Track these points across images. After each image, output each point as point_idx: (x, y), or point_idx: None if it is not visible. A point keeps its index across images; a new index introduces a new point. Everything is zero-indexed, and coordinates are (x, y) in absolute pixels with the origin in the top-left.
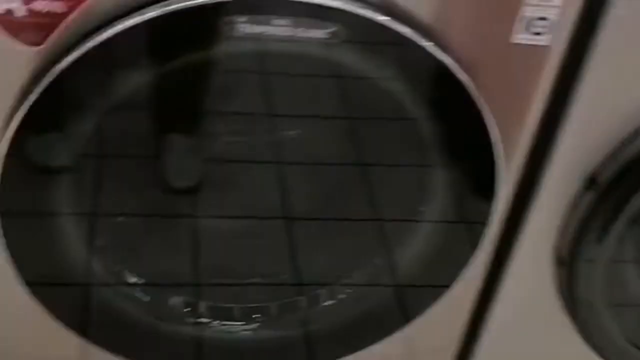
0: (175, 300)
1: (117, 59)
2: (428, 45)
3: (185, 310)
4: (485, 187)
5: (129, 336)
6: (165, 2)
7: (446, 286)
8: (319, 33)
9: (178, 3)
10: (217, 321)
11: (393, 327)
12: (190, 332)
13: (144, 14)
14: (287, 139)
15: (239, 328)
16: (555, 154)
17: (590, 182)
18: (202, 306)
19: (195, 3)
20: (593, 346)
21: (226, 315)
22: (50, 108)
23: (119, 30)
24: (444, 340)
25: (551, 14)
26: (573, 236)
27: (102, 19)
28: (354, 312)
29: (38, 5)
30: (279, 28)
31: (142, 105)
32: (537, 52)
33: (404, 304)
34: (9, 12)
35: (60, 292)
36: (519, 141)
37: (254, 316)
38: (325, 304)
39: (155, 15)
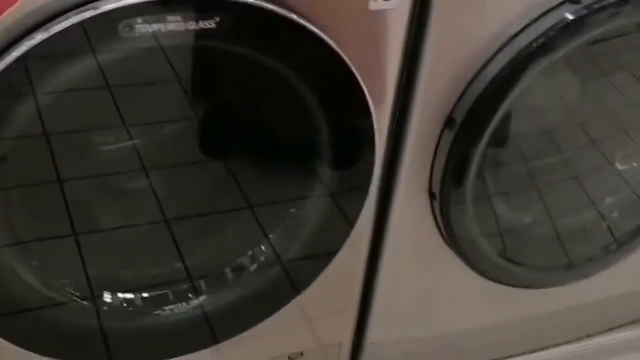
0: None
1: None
2: (300, 20)
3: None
4: (362, 143)
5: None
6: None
7: (335, 251)
8: (207, 24)
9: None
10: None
11: (288, 297)
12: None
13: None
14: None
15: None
16: (417, 100)
17: (449, 121)
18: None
19: (93, 13)
20: (477, 271)
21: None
22: None
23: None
24: (342, 303)
25: None
26: (441, 173)
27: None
28: (250, 288)
29: None
30: (171, 24)
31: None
32: (390, 15)
33: (297, 274)
34: None
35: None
36: (386, 94)
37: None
38: (224, 284)
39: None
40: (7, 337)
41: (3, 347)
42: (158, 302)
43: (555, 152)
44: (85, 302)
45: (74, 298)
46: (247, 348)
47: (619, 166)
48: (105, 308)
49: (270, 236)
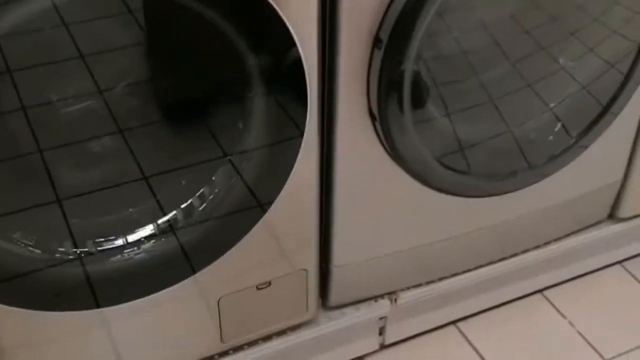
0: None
1: None
2: None
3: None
4: (293, 72)
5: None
6: None
7: (287, 173)
8: None
9: None
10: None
11: (256, 217)
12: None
13: None
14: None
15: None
16: (343, 22)
17: (377, 41)
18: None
19: None
20: (428, 185)
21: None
22: None
23: None
24: (303, 225)
25: None
26: (376, 94)
27: None
28: (219, 213)
29: None
30: None
31: None
32: None
33: (256, 199)
34: None
35: None
36: (310, 20)
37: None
38: (193, 214)
39: None
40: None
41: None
42: (135, 242)
43: (502, 63)
44: (65, 251)
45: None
46: (219, 278)
47: (567, 67)
48: (82, 255)
49: (229, 158)
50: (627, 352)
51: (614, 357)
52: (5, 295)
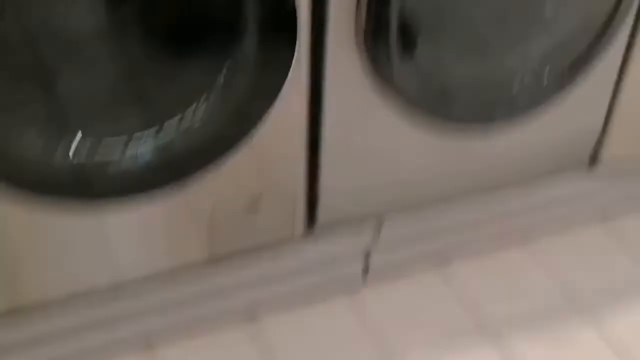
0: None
1: None
2: None
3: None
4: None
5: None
6: None
7: (275, 94)
8: None
9: None
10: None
11: (241, 137)
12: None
13: None
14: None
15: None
16: None
17: None
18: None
19: None
20: (409, 115)
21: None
22: None
23: None
24: (291, 147)
25: None
26: (363, 27)
27: None
28: (203, 135)
29: None
30: None
31: None
32: None
33: (246, 114)
34: None
35: None
36: None
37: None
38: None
39: None
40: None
41: None
42: (125, 145)
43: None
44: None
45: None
46: (206, 190)
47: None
48: (79, 151)
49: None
50: (603, 300)
51: (589, 303)
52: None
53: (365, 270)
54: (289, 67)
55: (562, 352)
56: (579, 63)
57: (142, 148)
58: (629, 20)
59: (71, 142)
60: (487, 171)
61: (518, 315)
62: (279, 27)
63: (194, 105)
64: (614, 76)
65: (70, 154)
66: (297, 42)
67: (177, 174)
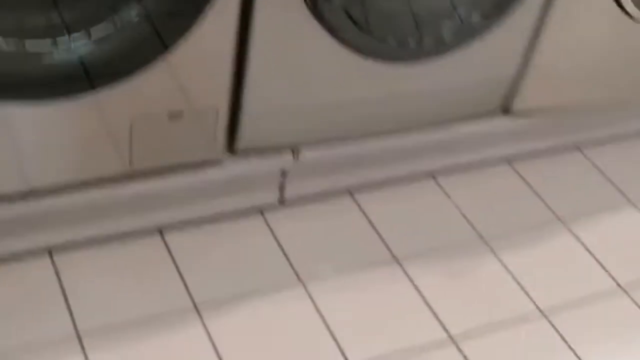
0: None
1: None
2: None
3: None
4: None
5: None
6: None
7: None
8: None
9: None
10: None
11: (158, 53)
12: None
13: None
14: None
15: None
16: None
17: None
18: None
19: None
20: (343, 43)
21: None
22: None
23: None
24: (215, 66)
25: None
26: None
27: None
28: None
29: None
30: None
31: None
32: None
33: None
34: None
35: None
36: None
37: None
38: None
39: None
40: None
41: None
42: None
43: None
44: None
45: None
46: (126, 101)
47: None
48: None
49: None
50: (504, 234)
51: (491, 237)
52: None
53: (281, 193)
54: None
55: (461, 282)
56: (498, 7)
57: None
58: None
59: None
60: (404, 105)
61: (421, 248)
62: None
63: (124, 9)
64: (533, 24)
65: None
66: None
67: (97, 81)
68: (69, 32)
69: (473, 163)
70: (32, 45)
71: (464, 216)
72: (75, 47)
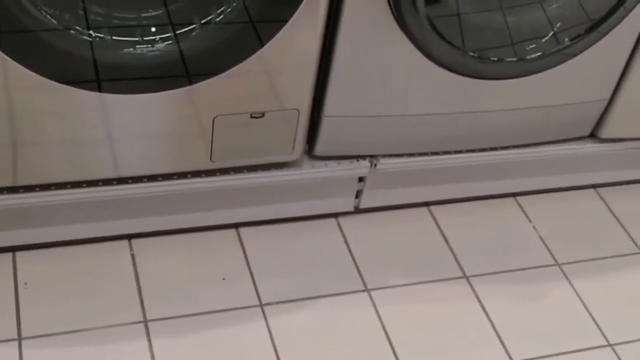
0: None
1: None
2: None
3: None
4: None
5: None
6: None
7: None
8: None
9: None
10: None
11: (253, 48)
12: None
13: None
14: None
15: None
16: None
17: None
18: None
19: None
20: (427, 55)
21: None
22: None
23: None
24: (301, 67)
25: None
26: None
27: None
28: (218, 38)
29: None
30: None
31: None
32: None
33: (261, 27)
34: None
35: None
36: None
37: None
38: (194, 33)
39: None
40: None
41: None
42: (149, 40)
43: None
44: (81, 33)
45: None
46: (216, 98)
47: None
48: (97, 40)
49: None
50: (581, 261)
51: (566, 263)
52: (19, 50)
53: (357, 200)
54: None
55: (530, 306)
56: (587, 33)
57: (161, 42)
58: None
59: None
60: (487, 123)
61: (492, 267)
62: None
63: (221, 7)
64: (627, 53)
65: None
66: None
67: (183, 74)
68: (172, 24)
69: (557, 185)
70: (129, 37)
71: (541, 239)
72: (170, 40)
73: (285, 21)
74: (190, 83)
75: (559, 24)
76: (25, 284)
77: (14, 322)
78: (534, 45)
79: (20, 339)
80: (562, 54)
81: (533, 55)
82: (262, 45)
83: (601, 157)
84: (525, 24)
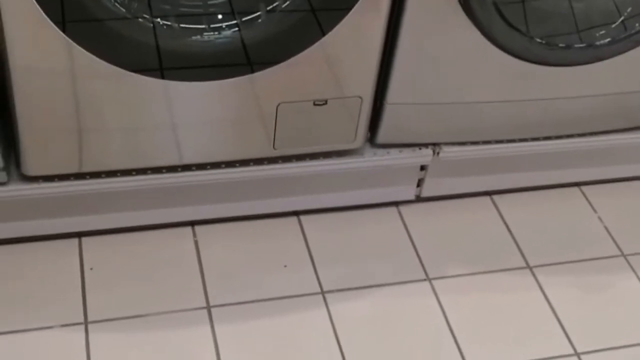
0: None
1: None
2: None
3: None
4: None
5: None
6: None
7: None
8: None
9: None
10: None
11: (315, 37)
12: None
13: None
14: None
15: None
16: None
17: None
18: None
19: None
20: (493, 41)
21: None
22: None
23: None
24: (364, 55)
25: None
26: None
27: None
28: (282, 26)
29: None
30: None
31: None
32: None
33: (323, 16)
34: None
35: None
36: None
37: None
38: (259, 21)
39: None
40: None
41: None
42: (216, 27)
43: None
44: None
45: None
46: (279, 86)
47: None
48: (164, 27)
49: None
50: None
51: (632, 254)
52: (88, 38)
53: (419, 188)
54: None
55: (595, 297)
56: None
57: (227, 29)
58: None
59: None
60: (553, 111)
61: (556, 257)
62: None
63: None
64: None
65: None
66: None
67: (246, 62)
68: (234, 13)
69: (623, 175)
70: (196, 24)
71: (607, 229)
72: (236, 28)
73: (349, 9)
74: (252, 71)
75: (629, 9)
76: (91, 268)
77: (80, 307)
78: (603, 32)
79: (86, 322)
80: (631, 40)
81: (602, 42)
82: (325, 33)
83: None
84: (594, 9)
